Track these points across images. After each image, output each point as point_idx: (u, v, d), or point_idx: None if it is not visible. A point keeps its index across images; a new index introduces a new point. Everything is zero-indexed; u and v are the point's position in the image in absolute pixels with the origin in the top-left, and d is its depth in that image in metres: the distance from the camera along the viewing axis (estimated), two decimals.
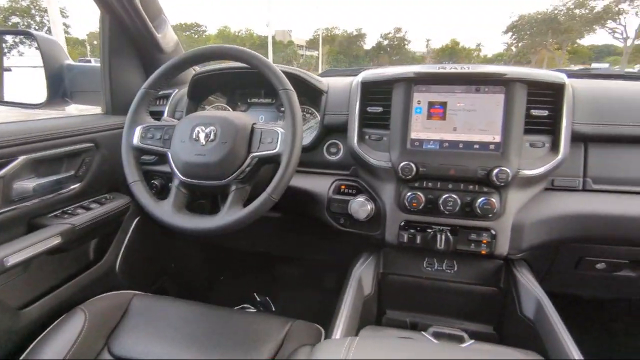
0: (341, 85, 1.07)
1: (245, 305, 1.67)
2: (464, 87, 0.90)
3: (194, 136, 0.86)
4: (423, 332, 0.78)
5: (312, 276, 1.64)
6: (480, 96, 0.89)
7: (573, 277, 1.05)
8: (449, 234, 0.90)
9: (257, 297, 1.70)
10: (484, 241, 0.89)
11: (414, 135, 0.92)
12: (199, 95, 1.20)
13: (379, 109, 0.97)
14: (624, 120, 0.89)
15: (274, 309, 1.66)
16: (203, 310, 0.95)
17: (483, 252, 0.89)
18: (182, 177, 0.87)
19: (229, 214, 0.82)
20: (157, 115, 1.20)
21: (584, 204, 0.89)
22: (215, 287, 1.73)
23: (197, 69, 1.21)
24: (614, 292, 1.08)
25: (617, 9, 26.03)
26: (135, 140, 0.91)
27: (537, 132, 0.88)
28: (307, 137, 1.08)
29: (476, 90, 0.89)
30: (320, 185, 1.04)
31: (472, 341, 0.74)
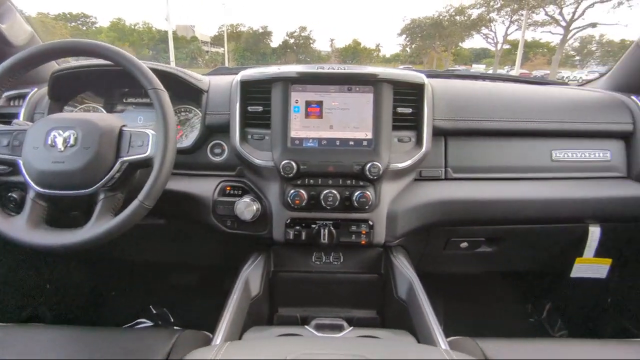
0: (222, 84, 1.04)
1: (140, 320, 1.56)
2: (337, 86, 0.94)
3: (50, 142, 0.77)
4: (306, 326, 0.81)
5: (209, 282, 1.58)
6: (352, 95, 0.94)
7: (443, 256, 1.17)
8: (332, 228, 0.94)
9: (153, 309, 1.59)
10: (363, 232, 0.95)
11: (293, 134, 0.94)
12: (63, 94, 1.08)
13: (260, 108, 0.97)
14: (476, 116, 1.02)
15: (172, 320, 1.57)
16: (80, 334, 0.85)
17: (363, 242, 0.95)
18: (37, 188, 0.77)
19: (97, 226, 0.75)
20: (8, 118, 1.04)
21: (446, 191, 1.00)
22: (105, 305, 1.57)
23: (58, 64, 1.08)
24: (477, 266, 1.23)
25: (488, 17, 29.83)
26: None
27: (404, 128, 0.96)
28: (190, 138, 1.04)
29: (348, 89, 0.94)
30: (204, 188, 1.01)
31: (351, 328, 0.78)
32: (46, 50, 0.81)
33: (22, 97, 1.08)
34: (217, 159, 1.03)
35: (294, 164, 0.91)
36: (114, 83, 1.10)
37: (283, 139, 0.93)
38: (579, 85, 1.33)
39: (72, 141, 0.77)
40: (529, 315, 1.54)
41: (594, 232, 1.05)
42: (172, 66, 1.04)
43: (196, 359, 0.50)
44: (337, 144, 0.94)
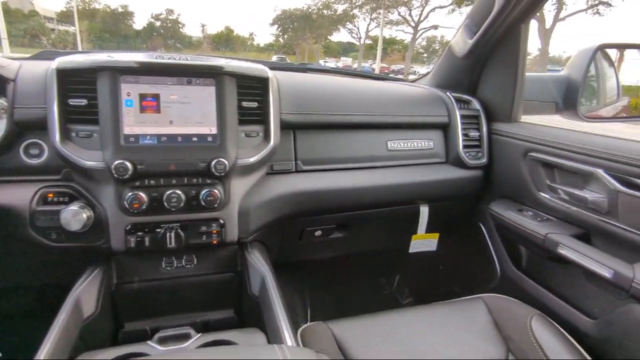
0: (37, 72, 0.87)
1: None
2: (175, 78, 0.87)
3: None
4: (149, 342, 0.74)
5: (43, 304, 1.35)
6: (193, 88, 0.88)
7: (300, 246, 1.21)
8: (179, 231, 0.88)
9: None
10: (214, 231, 0.91)
11: (127, 130, 0.84)
12: None
13: (84, 102, 0.84)
14: (321, 110, 1.06)
15: (0, 354, 1.30)
16: None
17: (214, 241, 0.91)
18: None
19: None
20: None
21: (296, 183, 1.02)
22: None
23: None
24: (332, 252, 1.31)
25: (351, 13, 32.02)
26: None
27: (251, 122, 0.95)
28: None
29: (188, 82, 0.88)
30: (17, 196, 0.84)
31: (199, 335, 0.75)
32: None
33: None
34: (35, 161, 0.87)
35: (128, 164, 0.81)
36: None
37: (114, 137, 0.83)
38: (411, 82, 1.50)
39: None
40: (383, 289, 1.71)
41: (424, 211, 1.21)
42: None
43: None
44: (179, 140, 0.88)
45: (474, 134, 1.20)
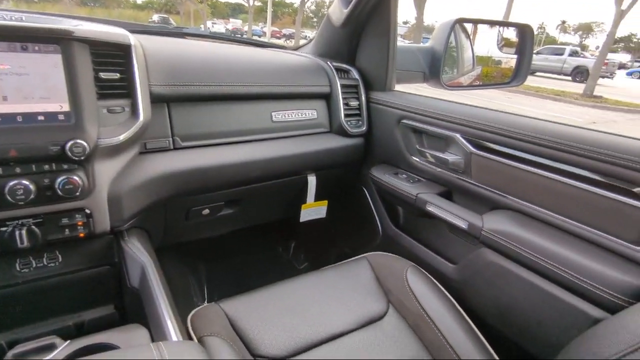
0: None
1: None
2: (4, 44, 0.71)
3: None
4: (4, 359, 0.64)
5: None
6: (30, 56, 0.73)
7: (188, 227, 1.15)
8: (33, 227, 0.75)
9: None
10: (79, 223, 0.80)
11: None
12: None
13: None
14: (197, 81, 0.98)
15: None
16: None
17: (81, 234, 0.81)
18: None
19: None
20: None
21: (175, 162, 0.95)
22: None
23: None
24: (224, 228, 1.28)
25: None
26: None
27: (114, 96, 0.83)
28: None
29: (23, 48, 0.73)
30: None
31: (67, 343, 0.67)
32: None
33: None
34: None
35: None
36: None
37: None
38: (294, 50, 1.48)
39: None
40: (280, 257, 1.75)
41: (311, 181, 1.24)
42: None
43: None
44: (19, 120, 0.73)
45: (354, 103, 1.25)
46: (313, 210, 1.32)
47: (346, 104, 1.24)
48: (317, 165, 1.23)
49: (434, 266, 1.11)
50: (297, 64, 1.24)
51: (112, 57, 0.82)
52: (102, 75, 0.81)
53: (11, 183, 0.71)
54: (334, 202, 1.39)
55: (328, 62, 1.25)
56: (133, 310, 0.86)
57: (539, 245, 0.84)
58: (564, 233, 0.85)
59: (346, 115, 1.24)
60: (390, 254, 1.11)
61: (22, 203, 0.73)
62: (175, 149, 0.97)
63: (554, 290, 0.82)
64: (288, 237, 1.74)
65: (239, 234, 1.33)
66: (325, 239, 1.62)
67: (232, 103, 1.06)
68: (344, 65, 1.28)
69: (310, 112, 1.21)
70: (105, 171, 0.83)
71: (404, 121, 1.16)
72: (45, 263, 0.84)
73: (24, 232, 0.74)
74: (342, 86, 1.23)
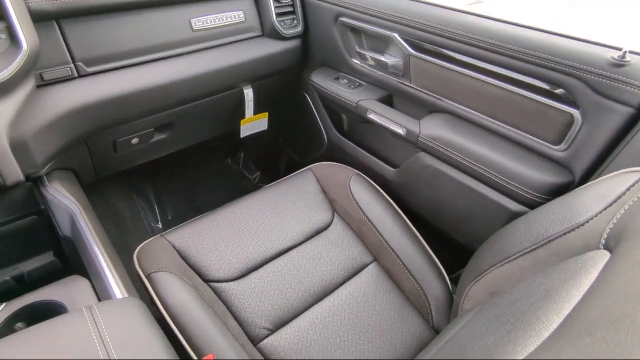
0: None
1: None
2: None
3: None
4: None
5: None
6: None
7: (117, 159, 1.07)
8: None
9: None
10: None
11: None
12: None
13: None
14: None
15: None
16: None
17: None
18: None
19: None
20: None
21: (84, 92, 0.83)
22: None
23: None
24: (160, 153, 1.20)
25: None
26: None
27: None
28: None
29: None
30: None
31: (1, 306, 0.64)
32: None
33: None
34: None
35: None
36: None
37: None
38: None
39: None
40: (231, 168, 1.72)
41: (248, 94, 1.15)
42: None
43: None
44: None
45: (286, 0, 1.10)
46: (253, 124, 1.26)
47: (277, 1, 1.09)
48: (252, 76, 1.12)
49: (376, 171, 1.13)
50: None
51: None
52: None
53: None
54: (276, 112, 1.32)
55: None
56: (73, 257, 0.84)
57: (469, 149, 0.87)
58: (494, 135, 0.88)
59: (278, 15, 1.10)
60: (334, 163, 1.11)
61: None
62: (80, 76, 0.84)
63: (481, 189, 0.88)
64: (235, 149, 1.70)
65: (183, 152, 1.27)
66: (274, 148, 1.60)
67: (140, 12, 0.90)
68: None
69: (236, 14, 1.05)
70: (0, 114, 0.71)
71: (342, 19, 1.05)
72: None
73: None
74: None
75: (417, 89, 0.96)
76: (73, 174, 0.92)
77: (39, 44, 0.73)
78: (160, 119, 1.03)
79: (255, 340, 0.77)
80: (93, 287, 0.67)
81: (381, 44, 1.01)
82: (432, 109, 0.97)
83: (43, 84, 0.80)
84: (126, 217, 1.34)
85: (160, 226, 1.48)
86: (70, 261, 0.87)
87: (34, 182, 0.83)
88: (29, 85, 0.76)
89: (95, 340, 0.44)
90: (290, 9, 1.12)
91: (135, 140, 1.03)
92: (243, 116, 1.20)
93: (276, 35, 1.11)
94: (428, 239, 0.94)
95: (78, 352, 0.43)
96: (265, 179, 1.69)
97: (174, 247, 0.87)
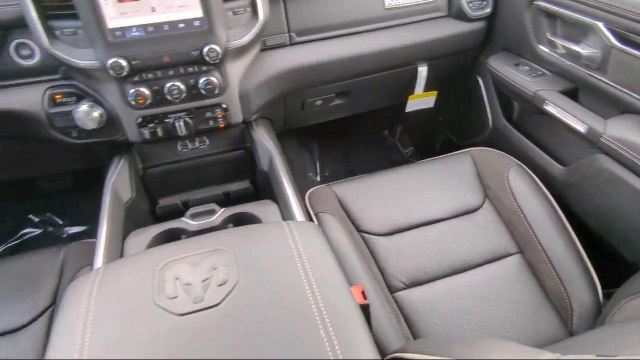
0: None
1: (25, 231, 1.52)
2: None
3: None
4: (182, 219, 0.89)
5: (83, 180, 1.53)
6: None
7: (303, 116, 1.28)
8: (186, 119, 0.94)
9: (34, 218, 1.54)
10: (219, 115, 0.97)
11: (111, 23, 0.82)
12: None
13: None
14: None
15: (61, 222, 1.56)
16: None
17: (221, 125, 0.98)
18: None
19: None
20: None
21: (292, 58, 1.02)
22: None
23: None
24: (334, 115, 1.37)
25: None
26: None
27: None
28: None
29: None
30: (28, 100, 0.89)
31: (222, 210, 0.89)
32: None
33: None
34: (29, 63, 0.88)
35: (122, 61, 0.82)
36: None
37: (100, 32, 0.81)
38: None
39: None
40: (386, 140, 1.83)
41: (422, 71, 1.21)
42: None
43: (73, 292, 0.57)
44: (166, 28, 0.85)
45: None
46: (421, 100, 1.32)
47: None
48: (430, 55, 1.18)
49: (540, 165, 1.08)
50: None
51: None
52: None
53: (168, 84, 0.88)
54: (442, 91, 1.35)
55: None
56: (263, 186, 1.07)
57: None
58: None
59: None
60: (495, 150, 1.10)
61: (177, 100, 0.90)
62: (291, 44, 1.03)
63: None
64: (394, 122, 1.79)
65: (348, 118, 1.42)
66: (432, 126, 1.63)
67: None
68: None
69: None
70: (235, 70, 0.95)
71: (537, 2, 1.01)
72: (197, 145, 1.07)
73: (181, 123, 0.94)
74: None
75: (612, 85, 0.87)
76: (270, 123, 1.15)
77: (269, 16, 0.93)
78: (342, 86, 1.18)
79: (391, 289, 0.88)
80: (280, 210, 0.87)
81: (578, 31, 0.94)
82: (625, 109, 0.88)
83: (265, 48, 1.01)
84: (296, 166, 1.59)
85: (319, 179, 1.70)
86: (260, 189, 1.11)
87: (246, 125, 1.07)
88: (256, 49, 0.98)
89: (292, 245, 0.61)
90: None
91: (319, 102, 1.22)
92: (412, 92, 1.27)
93: (461, 16, 1.13)
94: (586, 245, 0.89)
95: (278, 249, 0.61)
96: (417, 155, 1.75)
97: (337, 196, 1.03)
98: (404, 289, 0.88)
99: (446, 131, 1.57)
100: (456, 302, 0.86)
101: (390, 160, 1.78)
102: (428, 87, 1.28)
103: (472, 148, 1.13)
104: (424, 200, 1.01)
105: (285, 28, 1.01)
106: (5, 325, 0.78)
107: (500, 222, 0.98)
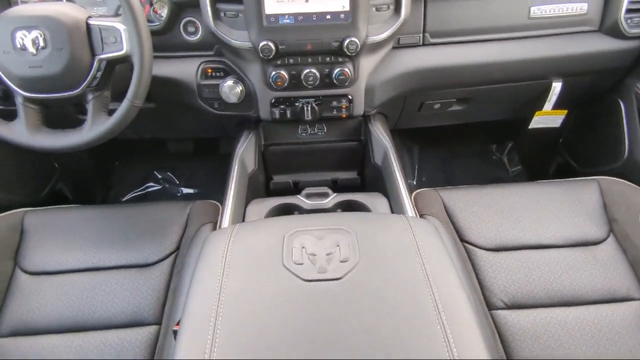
0: None
1: (149, 184, 1.74)
2: None
3: (18, 44, 0.76)
4: (298, 196, 0.96)
5: (204, 147, 1.71)
6: None
7: (418, 117, 1.28)
8: (314, 105, 1.01)
9: (158, 174, 1.76)
10: (344, 106, 1.02)
11: (268, 10, 0.90)
12: None
13: None
14: None
15: (178, 182, 1.76)
16: (103, 212, 1.01)
17: (344, 115, 1.03)
18: (23, 92, 0.80)
19: (95, 126, 0.82)
20: None
21: (422, 59, 1.03)
22: (113, 175, 1.73)
23: None
24: (449, 121, 1.35)
25: None
26: None
27: None
28: (160, 16, 0.98)
29: None
30: (186, 71, 1.02)
31: (334, 195, 0.94)
32: None
33: None
34: (192, 38, 1.01)
35: (272, 44, 0.91)
36: None
37: (258, 17, 0.90)
38: None
39: (41, 43, 0.76)
40: (492, 154, 1.75)
41: (556, 87, 1.13)
42: None
43: (214, 241, 0.65)
44: (314, 19, 0.92)
45: None
46: (547, 118, 1.24)
47: None
48: (568, 72, 1.10)
49: None
50: None
51: None
52: None
53: (305, 70, 0.95)
54: (572, 111, 1.25)
55: None
56: (371, 180, 1.10)
57: None
58: None
59: (629, 11, 1.01)
60: (630, 183, 1.00)
61: (310, 87, 0.97)
62: (423, 45, 1.04)
63: None
64: (506, 136, 1.70)
65: (454, 126, 1.39)
66: (549, 147, 1.52)
67: None
68: None
69: (579, 5, 1.03)
70: (367, 64, 0.99)
71: None
72: (315, 131, 1.14)
73: (309, 108, 1.01)
74: None
75: None
76: (385, 119, 1.17)
77: (409, 16, 0.95)
78: (465, 92, 1.16)
79: (490, 306, 0.85)
80: (390, 204, 0.90)
81: None
82: None
83: (397, 46, 1.03)
84: None
85: (415, 183, 1.68)
86: (367, 181, 1.14)
87: (364, 118, 1.11)
88: (389, 46, 1.01)
89: (411, 238, 0.63)
90: None
91: (437, 106, 1.21)
92: (540, 108, 1.20)
93: (615, 33, 1.03)
94: None
95: (398, 240, 0.63)
96: (525, 175, 1.65)
97: (443, 201, 1.02)
98: (504, 308, 0.85)
99: (566, 155, 1.45)
100: (561, 336, 0.80)
101: (493, 176, 1.70)
102: (557, 105, 1.20)
103: (599, 177, 1.03)
104: (536, 222, 0.96)
105: (420, 28, 1.02)
106: (137, 259, 0.92)
107: (625, 261, 0.89)
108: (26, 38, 0.76)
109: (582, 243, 0.93)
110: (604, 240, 0.93)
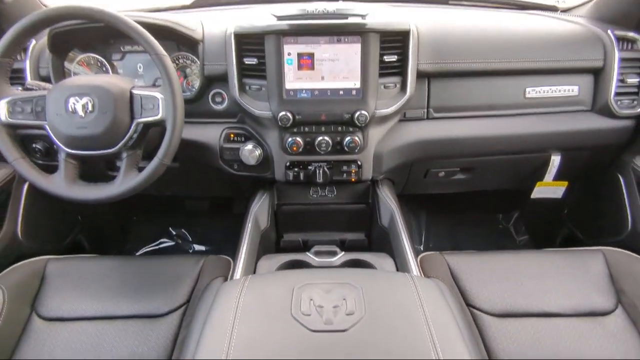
0: (217, 34, 1.08)
1: (162, 240, 1.79)
2: (327, 37, 0.99)
3: (70, 108, 0.87)
4: (307, 253, 1.00)
5: (219, 207, 1.78)
6: (341, 46, 1.00)
7: (424, 183, 1.34)
8: (325, 169, 1.09)
9: (172, 231, 1.82)
10: (353, 171, 1.09)
11: (288, 85, 1.02)
12: (62, 49, 1.12)
13: (255, 61, 1.03)
14: (459, 59, 1.07)
15: (191, 239, 1.81)
16: (120, 263, 1.05)
17: (353, 179, 1.10)
18: (67, 149, 0.89)
19: (126, 181, 0.89)
20: (17, 73, 1.10)
21: (427, 131, 1.12)
22: (130, 229, 1.79)
23: None
24: (453, 189, 1.41)
25: None
26: (3, 116, 0.88)
27: (390, 75, 1.04)
28: (193, 87, 1.11)
29: (337, 40, 1.00)
30: (210, 135, 1.12)
31: (342, 253, 0.98)
32: (48, 16, 0.86)
33: (23, 50, 1.12)
34: (219, 107, 1.12)
35: (289, 114, 1.01)
36: (111, 35, 1.14)
37: (279, 91, 1.02)
38: (562, 12, 1.34)
39: (90, 108, 0.87)
40: (498, 223, 1.78)
41: (555, 160, 1.20)
42: (163, 17, 1.06)
43: (227, 291, 0.69)
44: (328, 94, 1.03)
45: (632, 79, 1.09)
46: (548, 189, 1.29)
47: (621, 81, 1.09)
48: (565, 146, 1.17)
49: None
50: (562, 34, 1.15)
51: (394, 42, 1.01)
52: (385, 57, 1.02)
53: (319, 138, 1.04)
54: (574, 183, 1.30)
55: (609, 31, 1.10)
56: (378, 241, 1.14)
57: None
58: None
59: (618, 94, 1.10)
60: (635, 255, 1.01)
61: (323, 152, 1.05)
62: (427, 118, 1.13)
63: None
64: (512, 206, 1.74)
65: (462, 194, 1.44)
66: (555, 217, 1.55)
67: (486, 78, 1.12)
68: (631, 34, 1.10)
69: (570, 89, 1.13)
70: (375, 134, 1.08)
71: None
72: (326, 194, 1.20)
73: (321, 172, 1.08)
74: (622, 60, 1.08)
75: None
76: (392, 184, 1.24)
77: (414, 93, 1.05)
78: (468, 162, 1.23)
79: None
80: (396, 264, 0.93)
81: None
82: None
83: (403, 119, 1.13)
84: None
85: (422, 249, 1.70)
86: (374, 242, 1.18)
87: (372, 183, 1.18)
88: (396, 119, 1.11)
89: (415, 296, 0.65)
90: (635, 90, 1.10)
91: (441, 174, 1.28)
92: (541, 179, 1.25)
93: (606, 113, 1.12)
94: None
95: (402, 297, 0.66)
96: (531, 245, 1.66)
97: (448, 265, 1.04)
98: None
99: (572, 226, 1.47)
100: None
101: (499, 245, 1.71)
102: (559, 177, 1.25)
103: (603, 247, 1.05)
104: (542, 290, 0.96)
105: (425, 104, 1.12)
106: (148, 310, 0.94)
107: (635, 333, 0.88)
108: (77, 103, 0.87)
109: (590, 313, 0.92)
110: (613, 311, 0.92)
